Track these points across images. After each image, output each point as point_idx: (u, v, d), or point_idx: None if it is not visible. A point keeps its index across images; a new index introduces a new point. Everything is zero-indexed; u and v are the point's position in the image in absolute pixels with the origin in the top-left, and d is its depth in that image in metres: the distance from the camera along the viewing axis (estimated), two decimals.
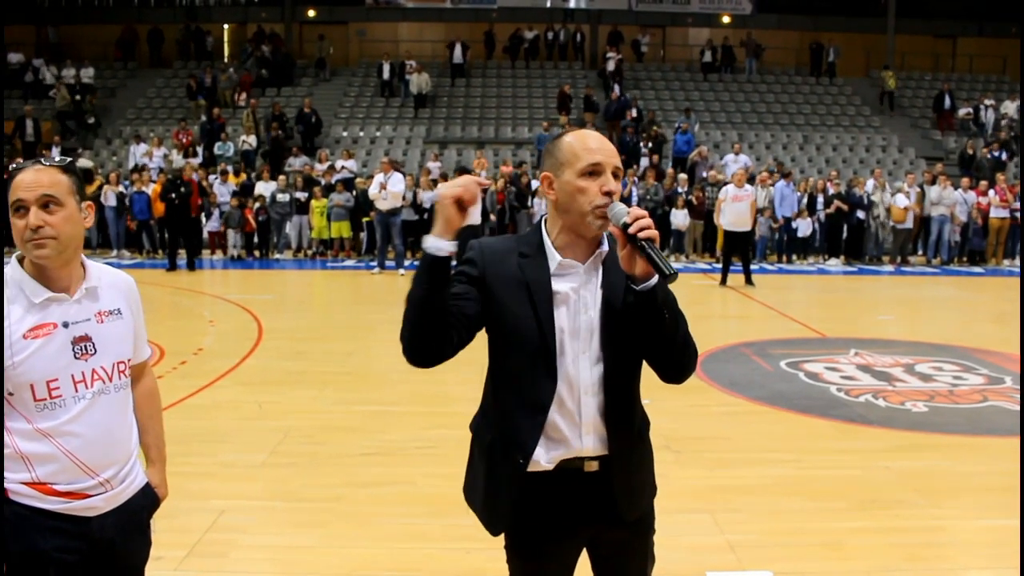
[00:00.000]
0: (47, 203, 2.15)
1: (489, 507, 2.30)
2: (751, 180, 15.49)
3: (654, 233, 2.01)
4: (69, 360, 2.18)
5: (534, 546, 2.29)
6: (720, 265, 13.85)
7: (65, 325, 2.19)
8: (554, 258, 2.18)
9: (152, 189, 16.27)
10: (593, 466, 2.20)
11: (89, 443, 2.20)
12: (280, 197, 16.89)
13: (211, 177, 17.60)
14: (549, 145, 2.26)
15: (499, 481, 2.24)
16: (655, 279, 2.04)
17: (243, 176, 18.09)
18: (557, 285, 2.16)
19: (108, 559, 2.28)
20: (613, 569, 2.37)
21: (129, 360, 2.35)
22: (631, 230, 2.01)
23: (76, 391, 2.19)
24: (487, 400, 2.34)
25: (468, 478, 2.42)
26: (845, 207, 16.75)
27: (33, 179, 2.16)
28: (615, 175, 2.15)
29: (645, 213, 2.03)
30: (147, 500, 2.42)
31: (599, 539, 2.33)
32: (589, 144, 2.16)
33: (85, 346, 2.21)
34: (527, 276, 2.16)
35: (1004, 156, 19.87)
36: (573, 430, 2.18)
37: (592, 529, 2.29)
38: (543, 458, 2.19)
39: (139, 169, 17.51)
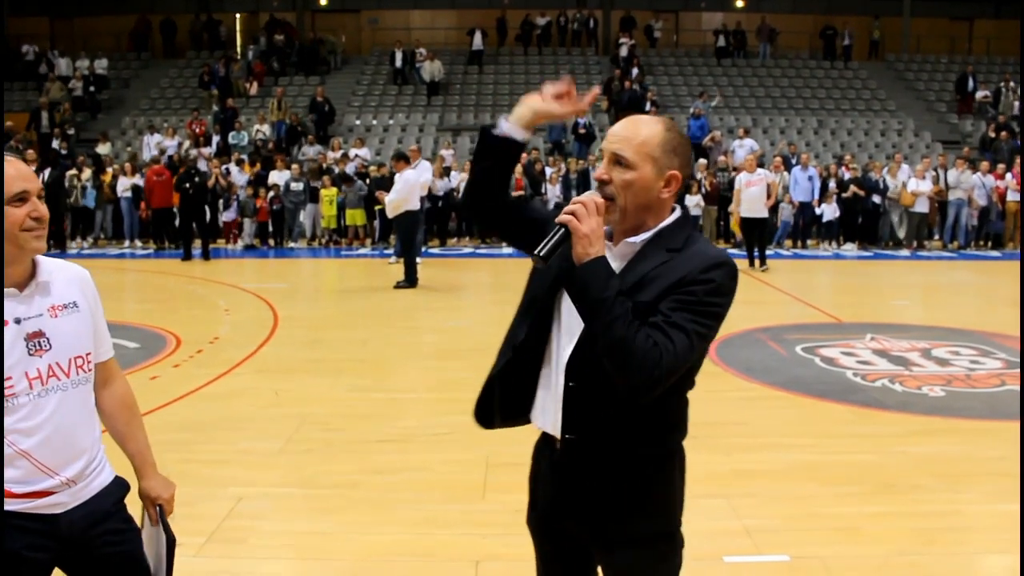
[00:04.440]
0: (39, 195, 2.13)
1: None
2: (762, 164, 15.53)
3: (565, 218, 1.97)
4: (22, 357, 2.09)
5: (537, 522, 2.30)
6: (738, 251, 13.96)
7: (17, 321, 2.11)
8: None
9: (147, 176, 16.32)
10: (561, 448, 2.15)
11: (47, 443, 2.12)
12: (294, 186, 16.92)
13: (226, 166, 17.63)
14: None
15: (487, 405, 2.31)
16: (576, 267, 1.98)
17: (257, 166, 18.12)
18: None
19: (85, 552, 2.22)
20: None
21: (89, 355, 2.25)
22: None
23: (31, 388, 2.10)
24: None
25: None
26: (862, 192, 16.65)
27: (27, 170, 2.12)
28: (618, 161, 2.08)
29: (585, 199, 1.99)
30: (120, 490, 2.34)
31: (596, 550, 2.24)
32: (610, 129, 2.14)
33: (39, 342, 2.13)
34: None
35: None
36: (550, 403, 2.16)
37: (575, 527, 2.21)
38: (536, 416, 2.22)
39: (156, 160, 17.50)
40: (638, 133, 2.09)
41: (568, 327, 2.12)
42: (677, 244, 2.07)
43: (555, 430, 2.15)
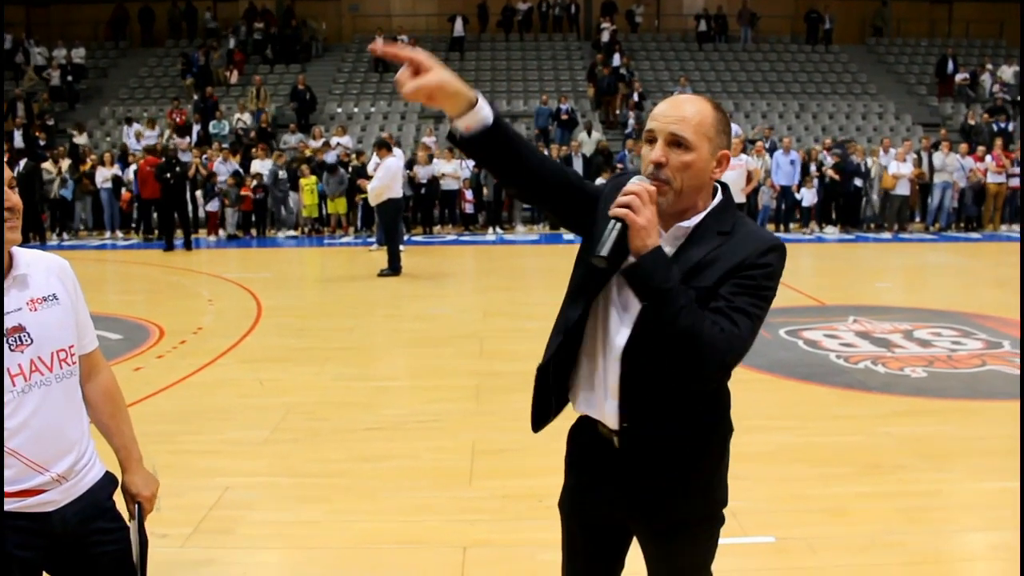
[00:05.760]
0: (11, 185, 2.08)
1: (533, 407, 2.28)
2: (746, 149, 15.58)
3: (620, 212, 1.90)
4: (4, 353, 2.04)
5: (574, 506, 2.27)
6: None
7: None
8: None
9: (140, 166, 16.20)
10: (619, 435, 2.12)
11: (33, 439, 2.08)
12: (281, 175, 16.82)
13: (206, 156, 17.49)
14: None
15: (546, 401, 2.24)
16: (632, 259, 1.92)
17: (239, 156, 18.00)
18: None
19: (76, 550, 2.20)
20: (648, 561, 2.28)
21: (72, 348, 2.21)
22: (613, 205, 1.93)
23: (14, 385, 2.05)
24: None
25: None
26: (838, 177, 16.70)
27: None
28: (675, 143, 1.99)
29: (637, 189, 1.91)
30: (110, 485, 2.31)
31: (636, 531, 2.26)
32: (656, 110, 2.04)
33: (19, 337, 2.08)
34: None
35: (1010, 127, 19.65)
36: (600, 391, 2.12)
37: (625, 516, 2.22)
38: (580, 402, 2.17)
39: (150, 150, 17.25)
40: (693, 112, 2.01)
41: (620, 313, 2.08)
42: (727, 227, 2.04)
43: (608, 417, 2.12)
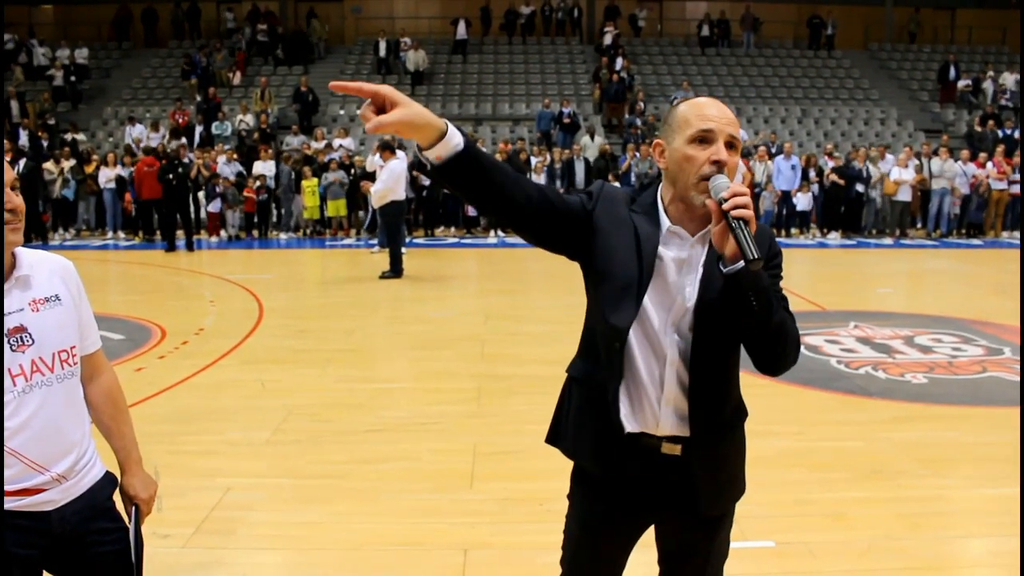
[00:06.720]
0: (14, 186, 2.08)
1: (602, 455, 2.14)
2: (746, 155, 15.58)
3: (748, 213, 1.86)
4: (5, 353, 2.05)
5: (595, 519, 2.22)
6: None
7: None
8: (664, 223, 2.07)
9: (136, 167, 16.23)
10: (672, 449, 2.10)
11: (34, 439, 2.09)
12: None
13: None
14: (667, 113, 2.14)
15: (609, 426, 2.11)
16: (742, 262, 1.88)
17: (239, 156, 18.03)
18: (662, 250, 2.05)
19: (76, 550, 2.20)
20: (677, 558, 2.29)
21: (74, 348, 2.21)
22: (725, 206, 1.87)
23: (15, 385, 2.06)
24: (584, 343, 2.22)
25: (571, 428, 2.23)
26: (841, 181, 16.71)
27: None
28: (730, 145, 2.01)
29: (745, 190, 1.89)
30: (110, 486, 2.32)
31: (669, 529, 2.26)
32: (703, 111, 2.03)
33: (21, 337, 2.09)
34: (636, 223, 2.07)
35: (1016, 134, 19.59)
36: (654, 399, 2.08)
37: (661, 517, 2.22)
38: (628, 419, 2.09)
39: (147, 151, 17.27)
40: (731, 115, 2.07)
41: (665, 316, 2.06)
42: None
43: (663, 426, 2.09)
